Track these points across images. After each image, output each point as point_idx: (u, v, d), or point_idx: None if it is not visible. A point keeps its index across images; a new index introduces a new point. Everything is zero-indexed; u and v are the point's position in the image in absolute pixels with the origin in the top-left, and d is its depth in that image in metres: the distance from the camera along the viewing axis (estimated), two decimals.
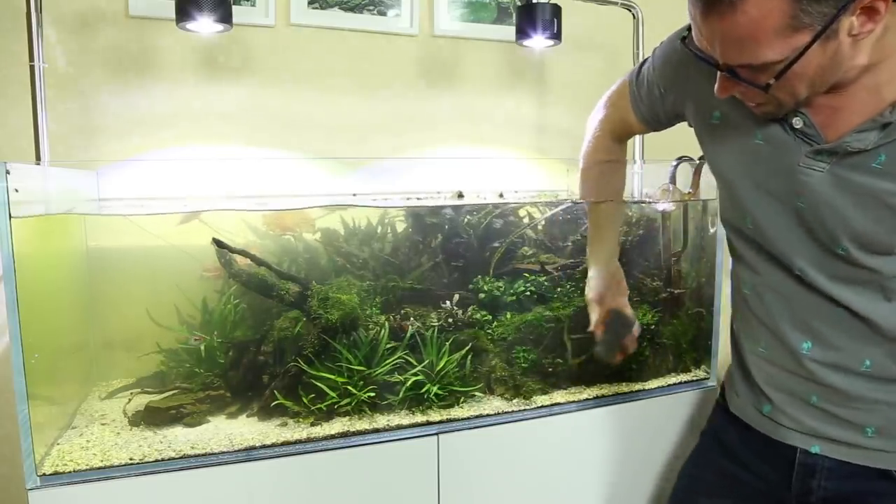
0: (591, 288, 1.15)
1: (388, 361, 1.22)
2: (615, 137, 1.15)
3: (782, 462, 0.93)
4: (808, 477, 0.91)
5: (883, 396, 0.85)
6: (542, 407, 1.27)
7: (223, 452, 1.07)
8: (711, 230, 1.43)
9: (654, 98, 1.02)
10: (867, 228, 0.78)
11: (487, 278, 1.39)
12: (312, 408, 1.16)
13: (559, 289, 1.39)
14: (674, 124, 1.06)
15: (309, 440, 1.11)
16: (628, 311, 1.15)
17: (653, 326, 1.40)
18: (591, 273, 1.17)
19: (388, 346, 1.24)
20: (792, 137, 0.81)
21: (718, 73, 0.75)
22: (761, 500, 0.97)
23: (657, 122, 1.06)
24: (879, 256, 0.80)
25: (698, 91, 0.92)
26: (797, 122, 0.80)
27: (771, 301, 0.92)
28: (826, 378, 0.87)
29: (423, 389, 1.22)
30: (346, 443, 1.12)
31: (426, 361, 1.24)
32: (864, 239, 0.79)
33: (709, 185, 1.35)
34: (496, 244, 1.40)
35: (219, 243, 1.21)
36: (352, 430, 1.15)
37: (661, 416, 1.36)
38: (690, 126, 1.00)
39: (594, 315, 1.14)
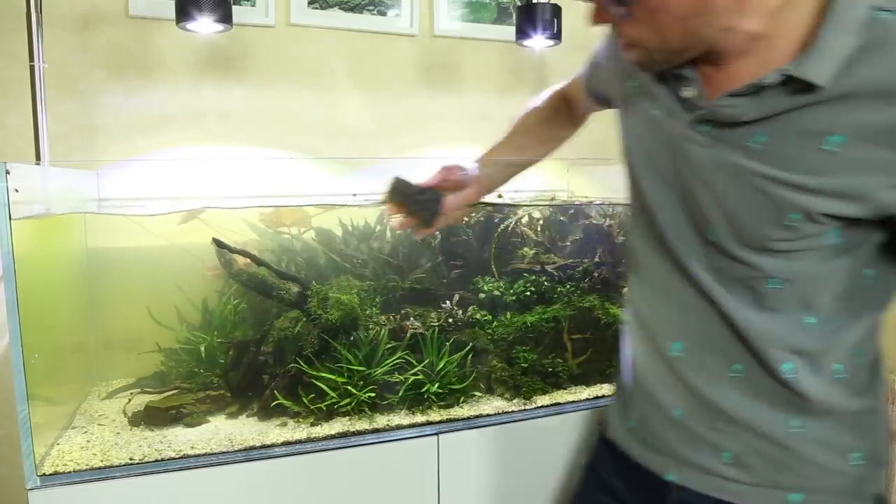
0: (465, 163, 1.01)
1: (388, 362, 1.22)
2: (563, 96, 1.13)
3: (657, 499, 0.85)
4: None
5: (746, 415, 0.78)
6: (541, 407, 1.27)
7: (223, 452, 1.07)
8: None
9: (595, 62, 1.01)
10: (741, 214, 0.73)
11: (487, 278, 1.39)
12: (312, 408, 1.16)
13: (559, 289, 1.39)
14: (604, 101, 1.01)
15: (309, 440, 1.11)
16: (445, 217, 0.98)
17: None
18: (477, 158, 1.07)
19: (388, 346, 1.24)
20: (681, 108, 0.76)
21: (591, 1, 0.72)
22: None
23: (593, 91, 1.03)
24: (752, 251, 0.74)
25: (622, 60, 0.86)
26: (687, 91, 0.75)
27: (650, 294, 0.86)
28: (692, 383, 0.81)
29: (423, 389, 1.22)
30: (346, 443, 1.12)
31: (426, 361, 1.24)
32: (738, 226, 0.73)
33: None
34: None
35: (219, 243, 1.21)
36: (352, 430, 1.15)
37: None
38: (612, 106, 0.96)
39: (439, 173, 0.97)
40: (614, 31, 0.75)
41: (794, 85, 0.66)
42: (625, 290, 0.96)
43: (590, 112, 1.12)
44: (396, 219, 0.96)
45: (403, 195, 0.93)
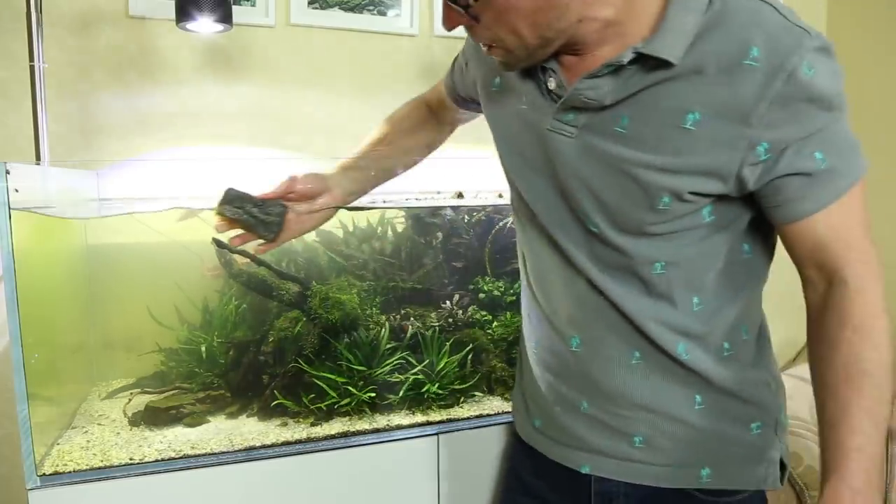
0: (317, 173, 0.96)
1: (388, 362, 1.22)
2: (427, 105, 1.10)
3: (581, 495, 0.86)
4: None
5: (651, 399, 0.79)
6: None
7: (223, 452, 1.06)
8: None
9: (460, 65, 0.99)
10: (615, 202, 0.73)
11: (487, 278, 1.39)
12: (312, 408, 1.16)
13: None
14: (471, 105, 1.00)
15: (309, 440, 1.11)
16: (288, 231, 0.92)
17: None
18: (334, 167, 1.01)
19: (389, 346, 1.24)
20: (547, 100, 0.76)
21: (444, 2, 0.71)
22: None
23: (456, 93, 1.02)
24: (631, 237, 0.74)
25: (487, 59, 0.85)
26: (551, 83, 0.74)
27: (545, 289, 0.86)
28: (595, 375, 0.81)
29: (424, 389, 1.22)
30: (346, 443, 1.12)
31: (426, 361, 1.24)
32: (614, 214, 0.74)
33: None
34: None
35: (219, 243, 1.21)
36: (352, 430, 1.15)
37: None
38: (481, 110, 0.94)
39: (283, 183, 0.92)
40: (470, 34, 0.74)
41: (649, 63, 0.68)
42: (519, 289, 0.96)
43: (458, 119, 1.09)
44: (232, 233, 0.90)
45: (237, 208, 0.88)
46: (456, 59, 1.02)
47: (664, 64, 0.67)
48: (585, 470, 0.84)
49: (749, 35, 0.65)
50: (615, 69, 0.69)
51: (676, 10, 0.66)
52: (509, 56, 0.73)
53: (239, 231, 0.90)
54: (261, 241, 0.91)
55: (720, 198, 0.71)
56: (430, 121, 1.09)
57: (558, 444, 0.88)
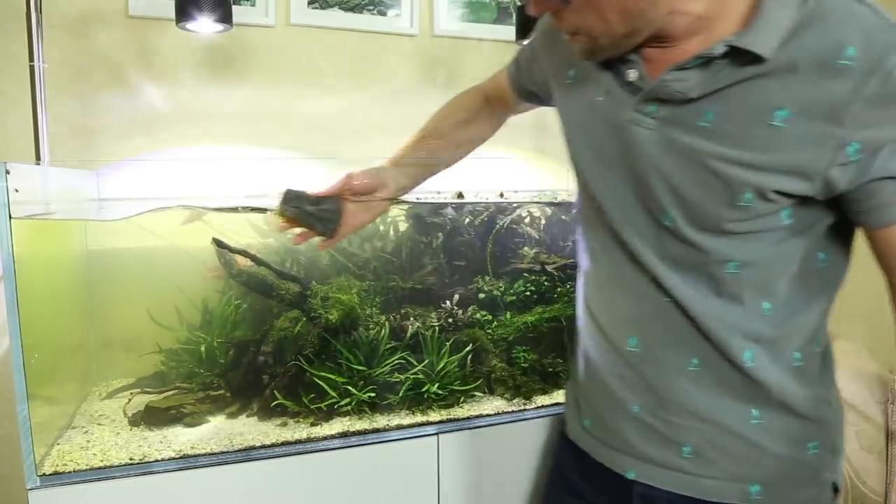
0: (372, 168, 0.98)
1: (388, 361, 1.22)
2: (484, 96, 1.09)
3: (623, 498, 0.85)
4: None
5: (706, 408, 0.78)
6: (541, 407, 1.27)
7: (223, 452, 1.06)
8: None
9: (527, 57, 0.98)
10: (695, 196, 0.72)
11: (487, 278, 1.39)
12: (312, 407, 1.16)
13: (559, 289, 1.39)
14: (532, 98, 1.00)
15: (309, 440, 1.11)
16: (346, 226, 0.95)
17: None
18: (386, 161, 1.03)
19: (389, 345, 1.24)
20: (626, 91, 0.75)
21: None
22: None
23: (520, 84, 1.01)
24: (708, 234, 0.73)
25: (560, 50, 0.86)
26: (632, 74, 0.74)
27: (602, 287, 0.85)
28: (650, 378, 0.80)
29: (424, 389, 1.22)
30: (346, 443, 1.12)
31: (426, 361, 1.24)
32: (692, 209, 0.72)
33: None
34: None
35: (219, 243, 1.21)
36: (352, 430, 1.15)
37: None
38: (549, 103, 0.93)
39: (340, 180, 0.94)
40: (556, 20, 0.73)
41: (740, 58, 0.67)
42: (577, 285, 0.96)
43: (513, 112, 1.09)
44: (294, 232, 0.93)
45: (296, 208, 0.90)
46: (520, 51, 1.01)
47: (756, 59, 0.66)
48: (631, 476, 0.84)
49: (844, 33, 0.64)
50: (705, 62, 0.68)
51: (771, 5, 0.66)
52: (593, 44, 0.72)
53: (299, 229, 0.93)
54: (321, 237, 0.93)
55: (802, 201, 0.70)
56: (483, 112, 1.09)
57: (605, 447, 0.87)
